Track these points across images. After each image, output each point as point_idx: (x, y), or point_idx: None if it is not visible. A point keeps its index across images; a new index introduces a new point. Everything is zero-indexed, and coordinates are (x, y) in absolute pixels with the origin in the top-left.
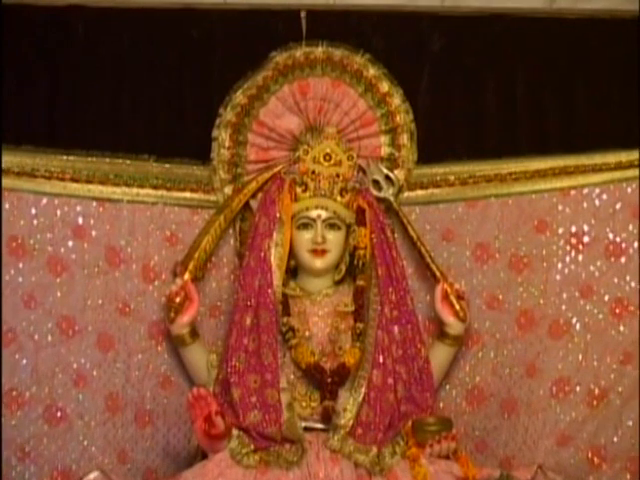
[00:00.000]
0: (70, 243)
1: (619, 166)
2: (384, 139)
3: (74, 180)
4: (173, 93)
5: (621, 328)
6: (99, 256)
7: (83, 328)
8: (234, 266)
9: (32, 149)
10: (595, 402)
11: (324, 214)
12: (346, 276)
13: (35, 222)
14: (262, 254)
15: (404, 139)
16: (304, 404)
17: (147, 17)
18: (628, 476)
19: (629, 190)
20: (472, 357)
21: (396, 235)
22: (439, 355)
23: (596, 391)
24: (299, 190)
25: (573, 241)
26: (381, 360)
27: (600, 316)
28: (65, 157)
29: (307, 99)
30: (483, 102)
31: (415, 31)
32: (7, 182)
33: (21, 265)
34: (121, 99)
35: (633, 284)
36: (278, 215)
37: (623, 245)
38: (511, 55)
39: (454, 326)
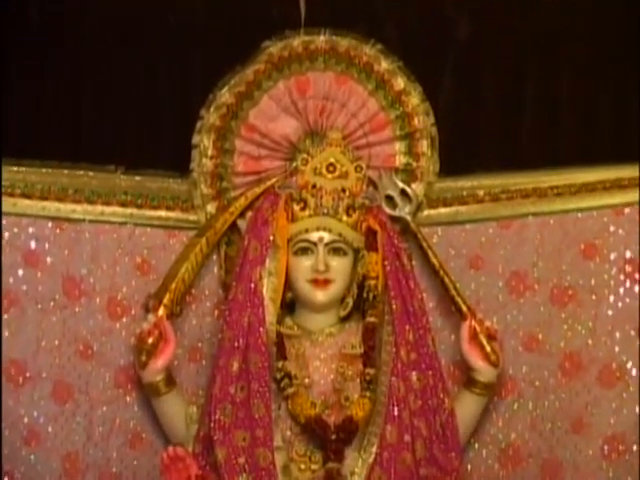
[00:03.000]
0: (20, 272)
1: None
2: (399, 146)
3: (26, 196)
4: (145, 91)
5: None
6: (55, 288)
7: (36, 375)
8: (218, 300)
9: None
10: None
11: (327, 237)
12: (353, 312)
13: None
14: (252, 285)
15: (423, 146)
16: (303, 466)
17: None
18: None
19: None
20: (506, 409)
21: (414, 262)
22: (466, 407)
23: None
24: (297, 208)
25: (628, 269)
26: (396, 413)
27: None
28: (15, 168)
29: (306, 98)
30: (519, 102)
31: (436, 16)
32: None
33: None
34: (83, 99)
35: None
36: (271, 238)
37: None
38: (553, 46)
39: (484, 372)
